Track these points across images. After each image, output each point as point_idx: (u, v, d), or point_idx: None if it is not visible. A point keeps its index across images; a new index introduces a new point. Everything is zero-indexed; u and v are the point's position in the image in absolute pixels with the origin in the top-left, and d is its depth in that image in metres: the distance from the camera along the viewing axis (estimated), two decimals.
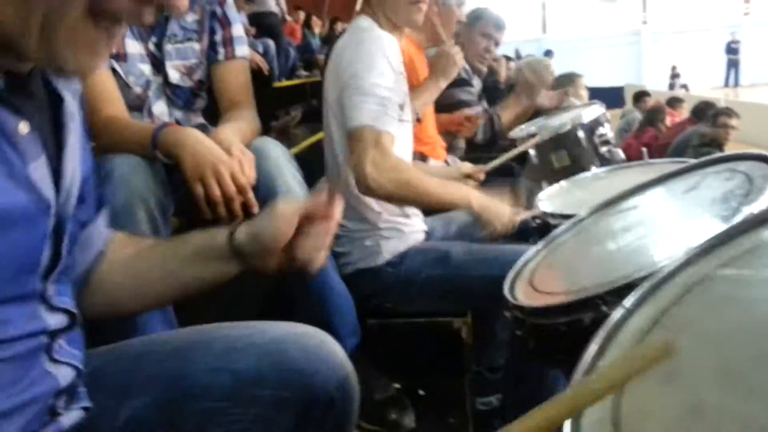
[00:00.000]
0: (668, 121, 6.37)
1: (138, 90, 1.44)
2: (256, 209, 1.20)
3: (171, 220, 1.30)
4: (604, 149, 2.18)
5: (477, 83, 2.93)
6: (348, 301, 1.44)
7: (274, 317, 0.84)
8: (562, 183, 1.80)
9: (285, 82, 5.40)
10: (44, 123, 0.60)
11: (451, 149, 2.59)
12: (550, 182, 2.03)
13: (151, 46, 1.45)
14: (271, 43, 5.37)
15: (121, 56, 1.41)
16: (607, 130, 2.20)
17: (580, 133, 2.15)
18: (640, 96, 7.50)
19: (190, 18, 1.50)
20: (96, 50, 0.54)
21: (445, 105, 2.52)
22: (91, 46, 0.53)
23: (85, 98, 1.28)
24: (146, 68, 1.45)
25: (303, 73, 6.49)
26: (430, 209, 1.72)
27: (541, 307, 0.74)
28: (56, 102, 0.62)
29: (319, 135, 3.59)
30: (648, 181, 0.98)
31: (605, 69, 15.50)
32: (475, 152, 2.70)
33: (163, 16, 1.45)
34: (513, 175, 2.49)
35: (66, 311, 0.64)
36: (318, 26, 8.80)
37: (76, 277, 0.73)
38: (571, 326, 0.72)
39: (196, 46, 1.51)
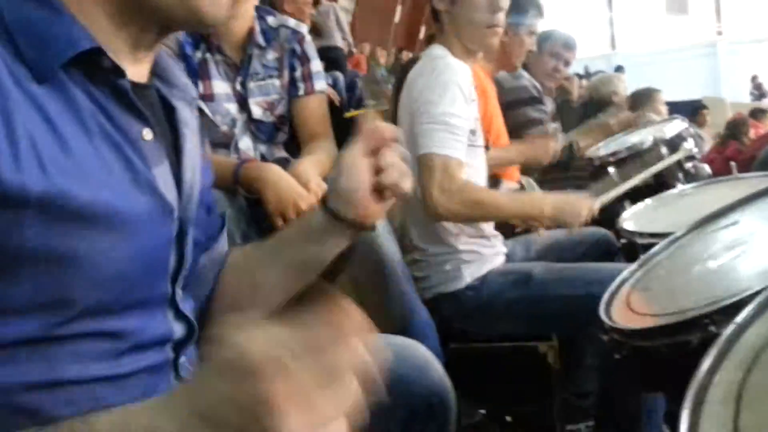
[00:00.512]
0: (752, 133, 6.05)
1: (224, 128, 1.51)
2: None
3: None
4: (689, 165, 2.10)
5: (548, 103, 2.90)
6: (430, 325, 1.44)
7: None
8: (647, 201, 1.75)
9: (354, 112, 5.51)
10: (164, 130, 0.63)
11: (525, 170, 2.56)
12: (633, 200, 1.97)
13: (237, 86, 1.53)
14: (339, 75, 5.51)
15: (208, 96, 1.49)
16: (691, 145, 2.12)
17: (663, 150, 2.09)
18: (696, 110, 7.13)
19: (270, 56, 1.57)
20: None
21: (517, 124, 2.50)
22: None
23: None
24: (232, 107, 1.52)
25: (370, 102, 6.60)
26: (505, 222, 1.71)
27: (643, 329, 0.72)
28: (170, 111, 0.65)
29: None
30: (745, 197, 0.94)
31: (680, 82, 14.89)
32: (550, 173, 2.66)
33: (248, 56, 1.53)
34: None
35: (187, 321, 0.65)
36: (383, 57, 8.96)
37: (203, 295, 0.75)
38: (675, 348, 0.69)
39: (277, 82, 1.58)
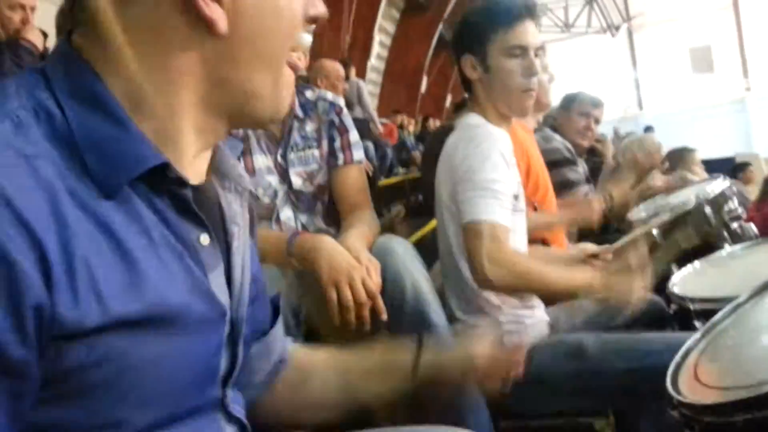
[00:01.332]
0: None
1: (266, 201, 1.53)
2: (384, 316, 1.22)
3: (302, 324, 1.33)
4: (734, 225, 2.05)
5: (581, 164, 2.89)
6: (479, 402, 1.39)
7: (407, 419, 0.83)
8: (695, 264, 1.70)
9: (385, 181, 5.59)
10: (218, 230, 0.62)
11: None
12: (680, 263, 1.92)
13: (278, 158, 1.56)
14: (369, 144, 5.64)
15: (249, 171, 1.52)
16: (735, 205, 2.07)
17: (707, 210, 2.04)
18: (742, 167, 7.04)
19: (309, 127, 1.61)
20: (292, 85, 0.63)
21: (553, 185, 2.50)
22: (291, 84, 0.62)
23: None
24: (273, 179, 1.55)
25: (400, 170, 6.70)
26: (552, 298, 1.66)
27: (717, 405, 0.68)
28: (221, 208, 0.65)
29: (424, 230, 3.65)
30: None
31: (711, 140, 14.82)
32: (587, 239, 2.61)
33: (288, 129, 1.57)
34: None
35: (239, 422, 0.64)
36: (411, 125, 9.16)
37: (256, 386, 0.74)
38: (752, 423, 0.65)
39: (316, 152, 1.61)
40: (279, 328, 0.80)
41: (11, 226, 0.44)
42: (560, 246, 2.29)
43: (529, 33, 1.54)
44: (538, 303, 1.63)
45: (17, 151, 0.47)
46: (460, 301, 1.57)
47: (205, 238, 0.59)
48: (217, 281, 0.60)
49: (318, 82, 3.76)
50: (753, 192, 6.36)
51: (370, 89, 11.19)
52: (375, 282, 1.23)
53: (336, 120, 1.63)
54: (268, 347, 0.77)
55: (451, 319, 1.58)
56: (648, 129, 12.87)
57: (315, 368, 0.82)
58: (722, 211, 2.05)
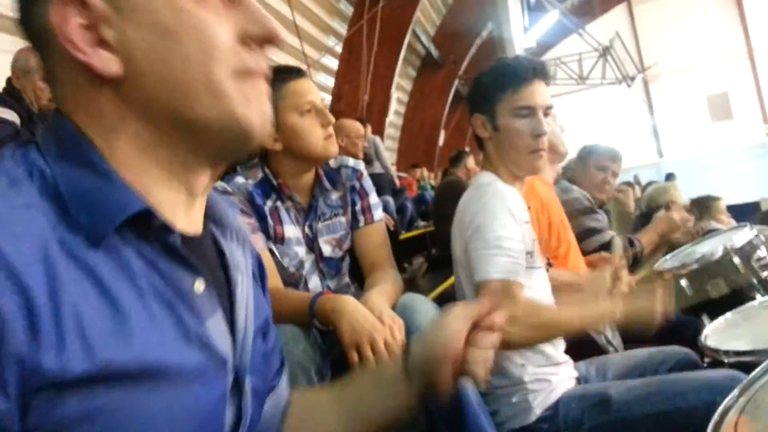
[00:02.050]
0: None
1: (292, 269, 1.55)
2: None
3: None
4: (765, 274, 2.00)
5: (601, 215, 2.87)
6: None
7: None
8: (728, 315, 1.65)
9: (406, 234, 5.59)
10: (217, 277, 0.62)
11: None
12: (711, 314, 1.87)
13: (306, 229, 1.58)
14: (389, 199, 5.67)
15: (279, 239, 1.54)
16: (764, 253, 2.02)
17: (736, 259, 2.00)
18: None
19: (334, 196, 1.64)
20: (261, 98, 0.60)
21: (575, 235, 2.47)
22: (254, 97, 0.60)
23: None
24: (301, 250, 1.57)
25: (421, 223, 6.71)
26: (578, 336, 1.63)
27: None
28: (222, 255, 0.65)
29: (445, 284, 3.61)
30: None
31: (733, 185, 14.63)
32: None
33: (314, 200, 1.60)
34: None
35: None
36: (431, 178, 9.23)
37: None
38: None
39: (342, 219, 1.63)
40: (283, 379, 0.80)
41: None
42: None
43: (537, 94, 1.56)
44: (564, 359, 1.59)
45: (7, 202, 0.48)
46: None
47: (200, 285, 0.58)
48: (216, 328, 0.59)
49: (339, 140, 3.82)
50: None
51: (388, 144, 11.38)
52: (399, 341, 1.22)
53: (357, 185, 1.66)
54: (278, 397, 0.76)
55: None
56: (670, 176, 12.77)
57: (313, 405, 0.81)
58: (751, 260, 2.01)
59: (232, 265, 0.65)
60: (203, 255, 0.61)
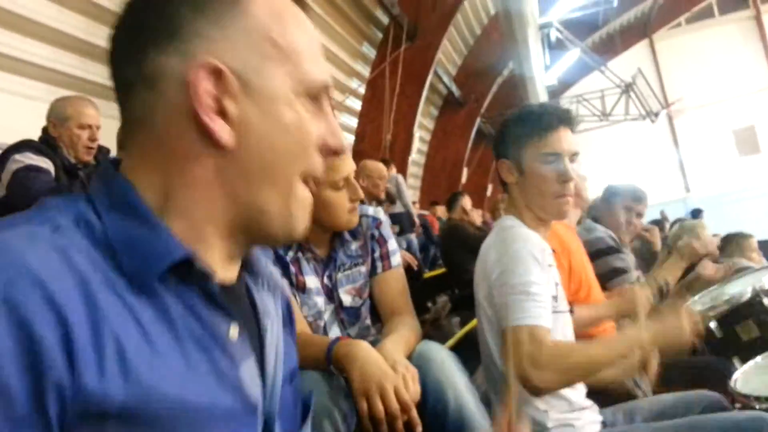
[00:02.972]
0: None
1: (310, 319, 1.57)
2: (419, 429, 1.19)
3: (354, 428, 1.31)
4: None
5: (628, 253, 2.83)
6: None
7: None
8: (758, 359, 1.62)
9: (429, 273, 5.57)
10: (249, 324, 0.65)
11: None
12: (742, 357, 1.83)
13: (325, 280, 1.61)
14: (413, 237, 5.68)
15: (300, 287, 1.56)
16: None
17: (766, 301, 1.96)
18: None
19: (354, 246, 1.66)
20: (309, 209, 0.65)
21: (600, 275, 2.44)
22: (307, 206, 0.65)
23: None
24: (320, 300, 1.59)
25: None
26: (609, 372, 1.59)
27: None
28: (254, 303, 0.68)
29: (469, 325, 3.58)
30: None
31: (764, 220, 14.37)
32: None
33: (334, 251, 1.63)
34: None
35: None
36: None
37: None
38: None
39: (363, 269, 1.65)
40: (308, 426, 0.80)
41: (39, 305, 0.46)
42: None
43: (563, 140, 1.57)
44: (588, 404, 1.57)
45: (53, 243, 0.51)
46: None
47: (234, 331, 0.60)
48: (249, 373, 0.61)
49: (361, 181, 3.88)
50: None
51: (411, 183, 11.44)
52: (412, 391, 1.21)
53: (376, 233, 1.68)
54: None
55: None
56: (696, 211, 12.58)
57: None
58: None
59: (263, 311, 0.68)
60: (238, 302, 0.65)
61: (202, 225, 0.60)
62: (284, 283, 1.49)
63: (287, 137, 0.61)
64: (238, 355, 0.60)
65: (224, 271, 0.63)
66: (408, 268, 3.87)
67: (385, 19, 8.89)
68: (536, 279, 1.44)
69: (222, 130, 0.58)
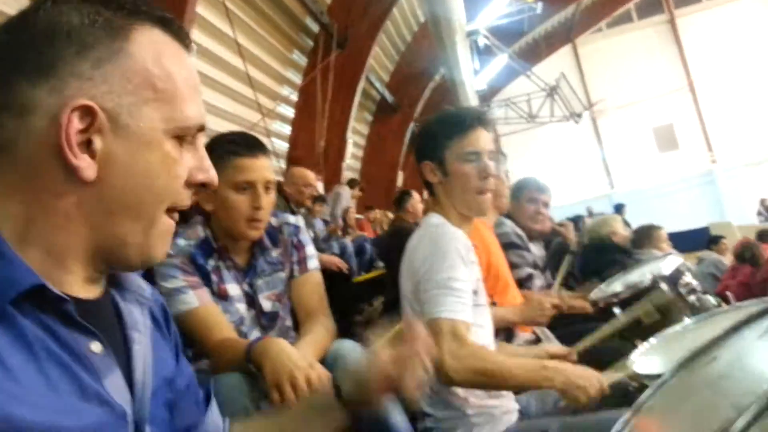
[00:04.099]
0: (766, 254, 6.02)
1: (232, 325, 1.57)
2: None
3: None
4: (692, 298, 2.10)
5: (536, 248, 2.98)
6: None
7: None
8: (651, 340, 1.73)
9: (365, 276, 5.61)
10: (115, 338, 0.67)
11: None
12: (644, 340, 1.95)
13: (245, 287, 1.62)
14: (347, 242, 5.72)
15: (222, 295, 1.58)
16: (690, 279, 2.14)
17: (663, 286, 2.10)
18: (716, 240, 7.21)
19: (275, 253, 1.68)
20: (170, 237, 0.69)
21: None
22: (169, 233, 0.69)
23: (196, 327, 1.43)
24: (241, 306, 1.60)
25: (380, 264, 6.73)
26: (514, 391, 1.68)
27: None
28: (120, 316, 0.71)
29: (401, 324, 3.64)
30: (724, 332, 0.95)
31: (684, 213, 15.21)
32: (562, 320, 2.64)
33: (254, 258, 1.64)
34: None
35: None
36: (389, 219, 9.30)
37: None
38: None
39: (282, 275, 1.68)
40: (212, 413, 0.85)
41: None
42: (525, 329, 2.32)
43: (482, 139, 1.66)
44: (506, 392, 1.64)
45: None
46: (428, 395, 1.58)
47: (96, 347, 0.63)
48: (115, 384, 0.63)
49: (286, 188, 3.90)
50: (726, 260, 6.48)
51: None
52: (323, 383, 1.24)
53: (295, 240, 1.71)
54: (209, 430, 0.81)
55: (422, 415, 1.59)
56: (619, 206, 13.18)
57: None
58: (678, 285, 2.12)
59: (130, 324, 0.71)
60: (101, 317, 0.67)
61: (61, 253, 0.62)
62: (205, 290, 1.51)
63: (154, 176, 0.64)
64: (103, 368, 0.63)
65: (86, 291, 0.66)
66: (339, 273, 3.92)
67: (314, 27, 8.92)
68: (460, 275, 1.51)
69: (87, 168, 0.60)
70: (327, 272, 3.90)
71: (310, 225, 4.97)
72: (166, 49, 0.66)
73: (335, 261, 3.91)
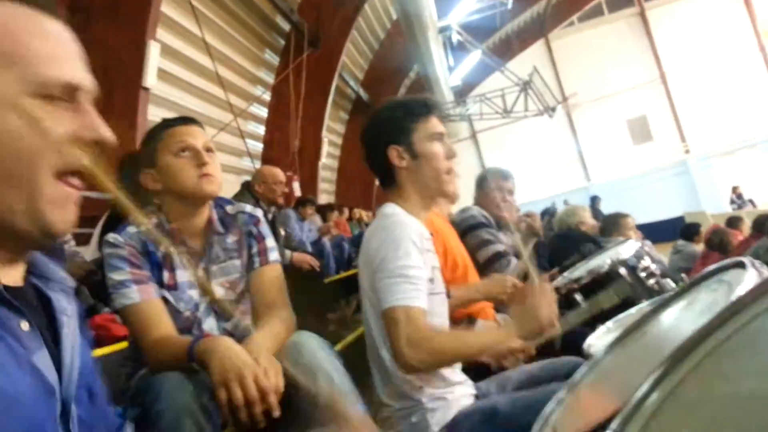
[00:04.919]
0: (735, 241, 6.12)
1: (187, 313, 1.57)
2: (276, 413, 1.22)
3: (218, 425, 1.32)
4: (651, 282, 2.13)
5: (504, 237, 3.01)
6: None
7: None
8: (608, 324, 1.75)
9: (342, 274, 5.61)
10: (41, 321, 0.69)
11: (500, 308, 2.57)
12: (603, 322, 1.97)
13: (200, 272, 1.60)
14: (326, 242, 5.71)
15: (172, 286, 1.56)
16: (648, 263, 2.17)
17: (622, 270, 2.14)
18: (692, 229, 7.29)
19: (230, 239, 1.67)
20: (70, 205, 0.68)
21: (472, 247, 2.60)
22: (66, 201, 0.68)
23: (135, 323, 1.41)
24: (194, 293, 1.58)
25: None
26: (477, 359, 1.69)
27: None
28: (47, 303, 0.72)
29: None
30: (653, 308, 0.97)
31: (660, 202, 15.45)
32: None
33: (208, 243, 1.63)
34: None
35: None
36: (368, 217, 9.33)
37: None
38: None
39: (237, 262, 1.66)
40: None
41: None
42: (487, 317, 2.34)
43: (440, 123, 1.70)
44: (461, 379, 1.65)
45: None
46: (385, 386, 1.59)
47: (25, 325, 0.65)
48: (42, 362, 0.65)
49: (256, 187, 3.88)
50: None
51: (325, 187, 11.47)
52: (273, 382, 1.24)
53: (254, 230, 1.69)
54: None
55: (381, 406, 1.60)
56: (594, 198, 13.34)
57: None
58: (637, 270, 2.15)
59: (58, 309, 0.72)
60: (27, 302, 0.69)
61: None
62: (151, 287, 1.49)
63: (17, 138, 0.64)
64: (32, 346, 0.65)
65: (6, 275, 0.67)
66: (313, 272, 3.92)
67: (285, 26, 8.89)
68: (414, 263, 1.50)
69: None
70: (302, 271, 3.92)
71: (284, 223, 4.96)
72: (18, 16, 0.67)
73: (308, 259, 3.91)
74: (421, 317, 1.47)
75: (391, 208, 1.65)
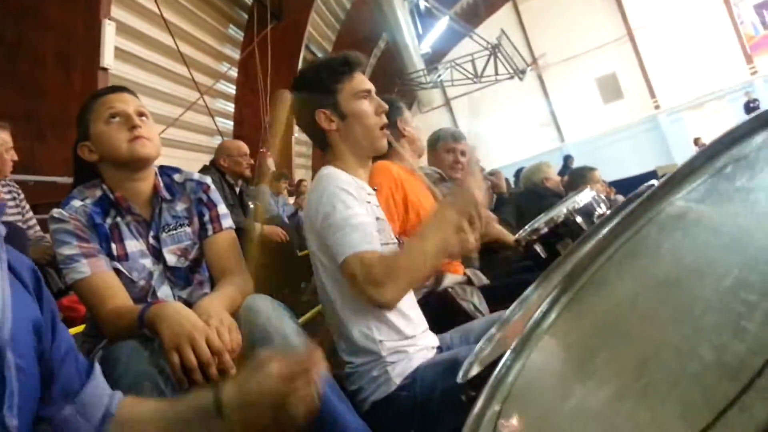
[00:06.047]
0: None
1: (142, 282, 1.57)
2: (233, 371, 1.24)
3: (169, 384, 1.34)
4: None
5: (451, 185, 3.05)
6: None
7: None
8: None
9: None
10: None
11: (467, 262, 2.61)
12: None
13: (150, 240, 1.61)
14: (302, 215, 5.73)
15: (122, 257, 1.56)
16: (604, 210, 2.22)
17: (578, 219, 2.18)
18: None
19: (179, 207, 1.68)
20: None
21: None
22: None
23: (87, 296, 1.41)
24: (147, 261, 1.59)
25: None
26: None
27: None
28: None
29: None
30: (577, 242, 1.01)
31: (632, 158, 15.62)
32: (491, 261, 2.72)
33: (157, 211, 1.63)
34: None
35: None
36: None
37: None
38: None
39: (188, 229, 1.67)
40: (96, 386, 0.86)
41: None
42: (455, 271, 2.38)
43: (366, 80, 1.69)
44: (421, 331, 1.68)
45: None
46: (345, 344, 1.60)
47: None
48: None
49: (221, 161, 3.85)
50: None
51: (301, 162, 11.39)
52: (227, 339, 1.26)
53: (204, 197, 1.70)
54: (85, 406, 0.82)
55: (342, 363, 1.62)
56: (567, 157, 13.44)
57: (134, 421, 0.86)
58: (593, 217, 2.20)
59: None
60: None
61: None
62: (101, 260, 1.49)
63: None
64: None
65: None
66: (284, 244, 3.93)
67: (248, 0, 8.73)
68: (356, 211, 1.50)
69: None
70: (272, 244, 3.92)
71: (255, 197, 4.94)
72: None
73: (278, 231, 3.91)
74: (374, 257, 1.44)
75: (326, 170, 1.65)
